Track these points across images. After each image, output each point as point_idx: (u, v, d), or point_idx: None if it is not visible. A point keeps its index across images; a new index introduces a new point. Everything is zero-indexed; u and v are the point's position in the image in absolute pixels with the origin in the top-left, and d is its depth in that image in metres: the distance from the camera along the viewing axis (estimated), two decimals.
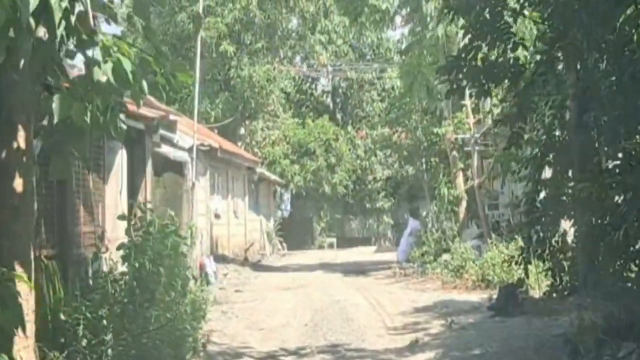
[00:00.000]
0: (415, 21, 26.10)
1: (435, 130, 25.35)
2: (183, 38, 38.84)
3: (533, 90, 12.47)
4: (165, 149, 19.78)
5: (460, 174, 25.45)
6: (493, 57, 12.39)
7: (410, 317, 15.50)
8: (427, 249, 28.01)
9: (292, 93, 51.58)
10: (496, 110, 22.33)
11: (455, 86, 12.36)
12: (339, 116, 54.72)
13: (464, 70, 12.14)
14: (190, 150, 24.85)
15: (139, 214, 10.68)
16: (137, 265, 9.98)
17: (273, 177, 40.79)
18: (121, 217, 11.41)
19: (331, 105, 55.85)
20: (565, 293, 14.09)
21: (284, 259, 35.19)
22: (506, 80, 12.54)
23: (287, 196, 54.04)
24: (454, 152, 25.42)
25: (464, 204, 25.27)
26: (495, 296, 15.96)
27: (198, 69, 25.82)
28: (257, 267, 29.86)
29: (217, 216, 29.35)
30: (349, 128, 51.91)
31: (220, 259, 28.84)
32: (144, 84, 6.80)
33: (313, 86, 54.73)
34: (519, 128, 12.44)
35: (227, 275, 26.60)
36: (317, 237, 51.77)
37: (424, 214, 31.16)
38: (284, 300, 19.10)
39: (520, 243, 15.65)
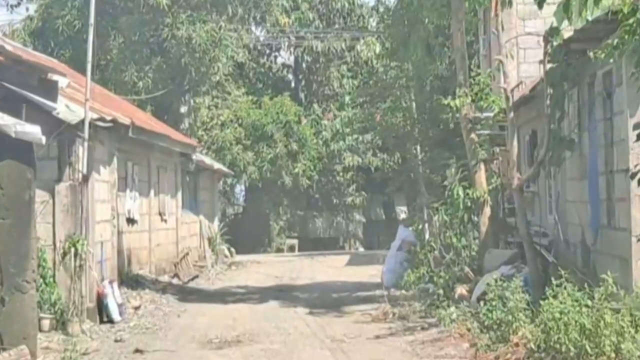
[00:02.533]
0: None
1: (445, 102, 16.99)
2: None
3: None
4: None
5: (483, 168, 17.15)
6: None
7: None
8: (427, 274, 19.93)
9: (246, 64, 43.19)
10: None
11: None
12: (302, 95, 46.31)
13: None
14: (78, 126, 16.57)
15: None
16: None
17: (217, 165, 32.29)
18: None
19: (293, 81, 47.43)
20: None
21: (228, 274, 26.78)
22: None
23: (239, 188, 45.60)
24: (473, 135, 17.14)
25: (487, 211, 16.98)
26: None
27: (93, 10, 17.50)
28: (187, 292, 21.43)
29: (130, 221, 20.92)
30: (314, 108, 43.53)
31: (134, 282, 20.42)
32: None
33: (272, 58, 46.23)
34: None
35: (139, 310, 18.27)
36: (275, 237, 43.38)
37: (416, 220, 22.79)
38: None
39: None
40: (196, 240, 28.67)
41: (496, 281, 13.34)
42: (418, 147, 21.89)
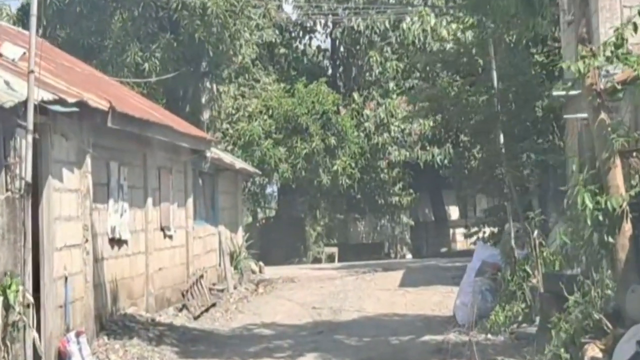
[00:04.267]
0: None
1: (565, 65, 11.33)
2: None
3: None
4: None
5: (619, 164, 11.45)
6: None
7: None
8: (522, 311, 14.50)
9: (276, 47, 37.72)
10: None
11: None
12: (340, 82, 40.60)
13: None
14: (19, 111, 11.36)
15: None
16: None
17: (240, 164, 26.71)
18: None
19: (330, 67, 41.70)
20: None
21: (254, 301, 21.22)
22: None
23: (270, 189, 40.05)
24: (603, 115, 11.45)
25: (626, 229, 11.27)
26: None
27: None
28: (193, 338, 15.81)
29: (116, 242, 15.45)
30: (354, 96, 37.85)
31: (120, 327, 14.96)
32: None
33: (306, 41, 40.60)
34: None
35: None
36: (312, 245, 37.75)
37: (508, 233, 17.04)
38: None
39: None
40: (214, 257, 23.20)
41: None
42: (501, 137, 16.20)
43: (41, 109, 11.67)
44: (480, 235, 26.70)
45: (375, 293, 21.53)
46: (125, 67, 25.22)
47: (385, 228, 41.56)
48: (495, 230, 26.27)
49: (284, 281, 25.55)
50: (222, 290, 22.20)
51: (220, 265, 23.50)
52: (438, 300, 19.77)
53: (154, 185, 17.79)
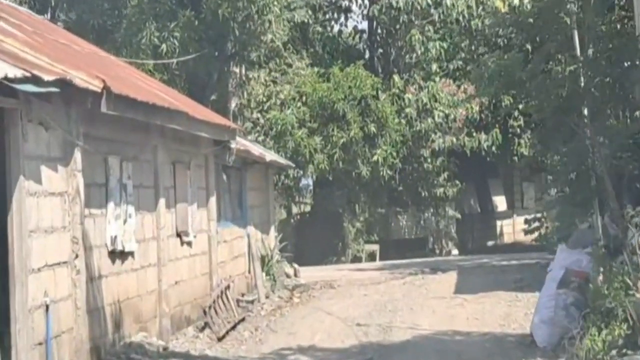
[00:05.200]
0: None
1: None
2: None
3: None
4: None
5: None
6: None
7: None
8: (624, 333, 11.61)
9: (310, 29, 34.90)
10: None
11: None
12: (378, 65, 37.57)
13: None
14: None
15: None
16: None
17: (271, 156, 23.77)
18: None
19: (367, 49, 38.69)
20: None
21: (288, 315, 18.32)
22: None
23: (305, 182, 37.10)
24: None
25: None
26: None
27: None
28: None
29: (118, 255, 12.62)
30: (395, 80, 34.81)
31: (124, 358, 12.16)
32: None
33: (341, 21, 37.64)
34: None
35: None
36: (351, 243, 34.78)
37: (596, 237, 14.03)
38: None
39: None
40: (242, 263, 20.37)
41: None
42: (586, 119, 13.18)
43: (6, 89, 8.93)
44: (543, 231, 23.73)
45: (429, 302, 18.57)
46: (140, 50, 22.41)
47: (429, 222, 38.48)
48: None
49: (322, 287, 22.71)
50: (252, 302, 19.41)
51: (249, 272, 20.68)
52: (504, 312, 16.83)
53: (167, 183, 14.98)
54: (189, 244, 16.01)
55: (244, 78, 29.32)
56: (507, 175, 45.94)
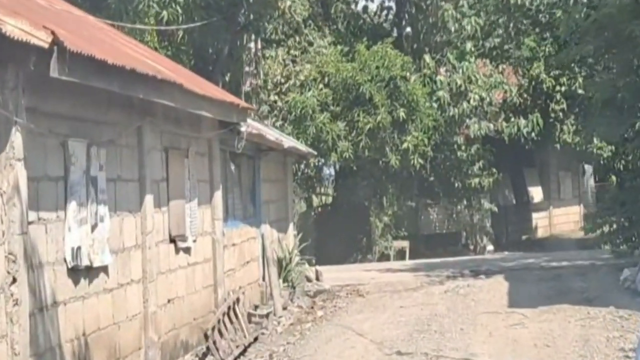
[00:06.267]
0: None
1: None
2: None
3: None
4: None
5: None
6: None
7: None
8: None
9: (333, 5, 31.88)
10: None
11: None
12: (407, 44, 34.32)
13: None
14: None
15: None
16: None
17: (289, 142, 20.48)
18: None
19: (394, 28, 35.49)
20: None
21: (310, 333, 15.10)
22: None
23: (328, 172, 33.96)
24: None
25: None
26: None
27: None
28: None
29: (82, 272, 9.40)
30: (425, 60, 31.59)
31: None
32: None
33: None
34: None
35: None
36: (378, 239, 31.54)
37: None
38: None
39: None
40: (255, 269, 17.17)
41: None
42: None
43: None
44: (607, 229, 20.56)
45: (481, 319, 15.29)
46: (138, 18, 19.24)
47: (462, 215, 35.30)
48: (627, 223, 20.20)
49: (349, 294, 19.61)
50: (266, 315, 16.23)
51: (264, 279, 17.50)
52: (578, 334, 13.55)
53: (157, 175, 11.77)
54: (187, 250, 12.82)
55: (259, 54, 26.19)
56: (543, 164, 43.08)
